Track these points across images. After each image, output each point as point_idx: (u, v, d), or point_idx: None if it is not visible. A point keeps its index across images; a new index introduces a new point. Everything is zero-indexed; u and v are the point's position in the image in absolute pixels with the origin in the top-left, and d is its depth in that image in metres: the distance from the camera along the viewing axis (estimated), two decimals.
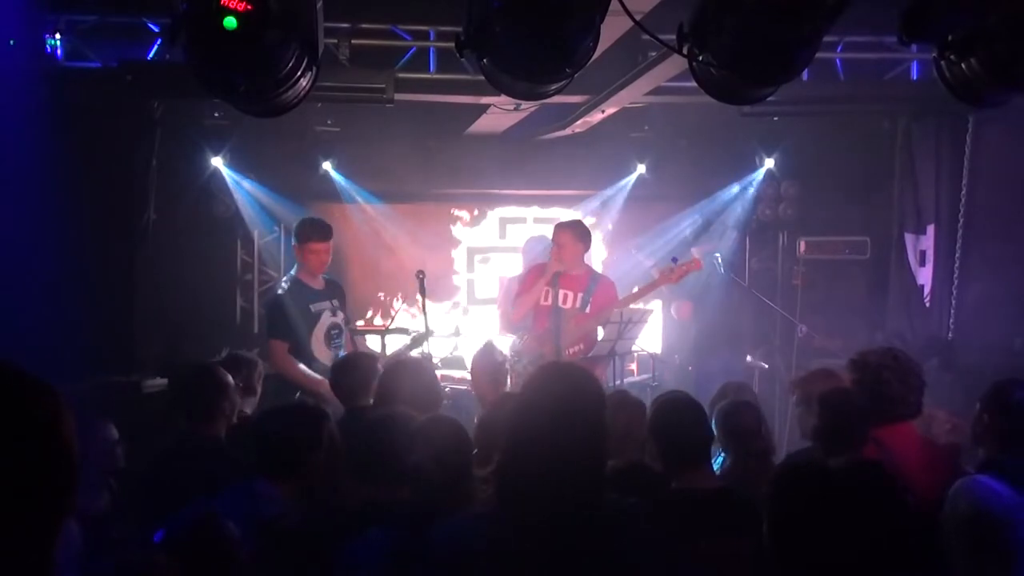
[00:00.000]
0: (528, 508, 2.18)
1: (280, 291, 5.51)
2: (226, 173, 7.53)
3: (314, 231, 5.55)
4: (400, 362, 4.49)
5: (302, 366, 5.24)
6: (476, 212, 8.64)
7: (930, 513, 2.96)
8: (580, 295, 5.97)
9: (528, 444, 2.21)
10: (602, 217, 8.55)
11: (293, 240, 5.64)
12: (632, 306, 6.22)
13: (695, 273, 6.36)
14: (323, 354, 5.39)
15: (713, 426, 3.50)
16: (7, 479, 1.13)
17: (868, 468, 1.97)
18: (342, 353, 5.40)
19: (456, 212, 8.63)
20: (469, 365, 4.94)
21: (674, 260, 6.22)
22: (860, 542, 1.83)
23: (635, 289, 6.34)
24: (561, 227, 6.00)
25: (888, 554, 1.86)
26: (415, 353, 5.82)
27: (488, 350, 4.82)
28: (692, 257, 6.45)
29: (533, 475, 2.18)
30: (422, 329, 5.81)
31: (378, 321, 7.96)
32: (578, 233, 5.98)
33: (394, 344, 6.07)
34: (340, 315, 5.57)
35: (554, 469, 2.17)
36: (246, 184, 7.61)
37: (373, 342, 6.42)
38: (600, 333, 6.08)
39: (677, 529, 2.67)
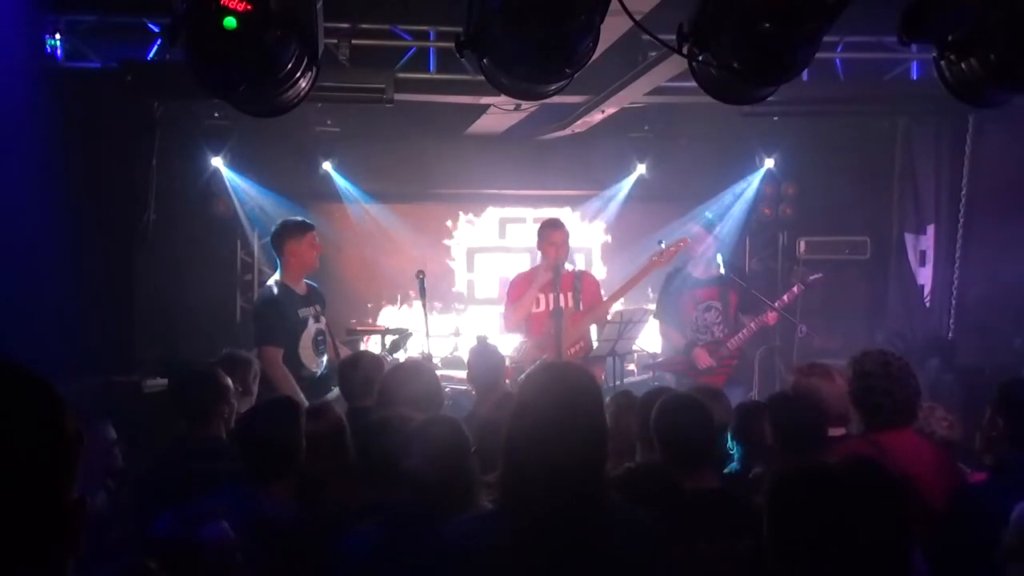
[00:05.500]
0: (530, 506, 2.19)
1: (271, 294, 5.37)
2: (226, 173, 7.53)
3: (297, 226, 5.47)
4: (401, 364, 4.49)
5: (291, 379, 5.09)
6: (476, 212, 8.64)
7: (935, 517, 2.98)
8: (570, 294, 5.96)
9: (527, 443, 2.22)
10: (602, 217, 8.55)
11: (276, 246, 5.47)
12: (633, 306, 6.21)
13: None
14: (311, 361, 5.29)
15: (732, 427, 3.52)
16: (11, 481, 1.13)
17: (867, 466, 1.96)
18: (326, 360, 5.37)
19: (456, 212, 8.63)
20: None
21: (660, 243, 6.22)
22: (860, 541, 1.83)
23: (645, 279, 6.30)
24: (557, 227, 5.95)
25: (888, 553, 1.86)
26: (413, 354, 5.81)
27: (483, 347, 4.82)
28: (682, 237, 6.42)
29: (534, 474, 2.19)
30: (421, 330, 5.80)
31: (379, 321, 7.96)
32: (567, 231, 5.97)
33: (378, 347, 6.03)
34: (323, 320, 5.45)
35: (554, 466, 2.17)
36: (246, 184, 7.61)
37: (373, 343, 6.42)
38: (594, 331, 6.08)
39: (677, 529, 2.67)
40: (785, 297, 6.49)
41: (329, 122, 7.90)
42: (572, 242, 6.05)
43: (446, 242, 8.57)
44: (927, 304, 7.59)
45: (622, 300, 6.24)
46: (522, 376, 5.22)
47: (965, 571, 2.73)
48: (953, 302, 7.24)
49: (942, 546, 2.85)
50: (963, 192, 7.15)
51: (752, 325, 6.34)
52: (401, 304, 6.86)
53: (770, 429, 3.35)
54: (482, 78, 3.86)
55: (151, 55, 6.27)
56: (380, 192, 8.13)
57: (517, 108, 6.73)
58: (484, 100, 6.65)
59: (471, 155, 8.14)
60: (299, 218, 5.69)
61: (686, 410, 3.12)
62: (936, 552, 2.81)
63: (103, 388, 5.73)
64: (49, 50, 6.15)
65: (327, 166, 7.91)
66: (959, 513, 2.95)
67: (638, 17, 3.46)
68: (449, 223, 8.59)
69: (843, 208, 8.14)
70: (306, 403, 4.71)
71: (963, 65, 3.62)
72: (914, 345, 7.07)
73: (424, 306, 5.75)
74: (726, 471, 3.60)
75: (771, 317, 6.36)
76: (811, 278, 6.56)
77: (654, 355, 6.87)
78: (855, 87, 6.84)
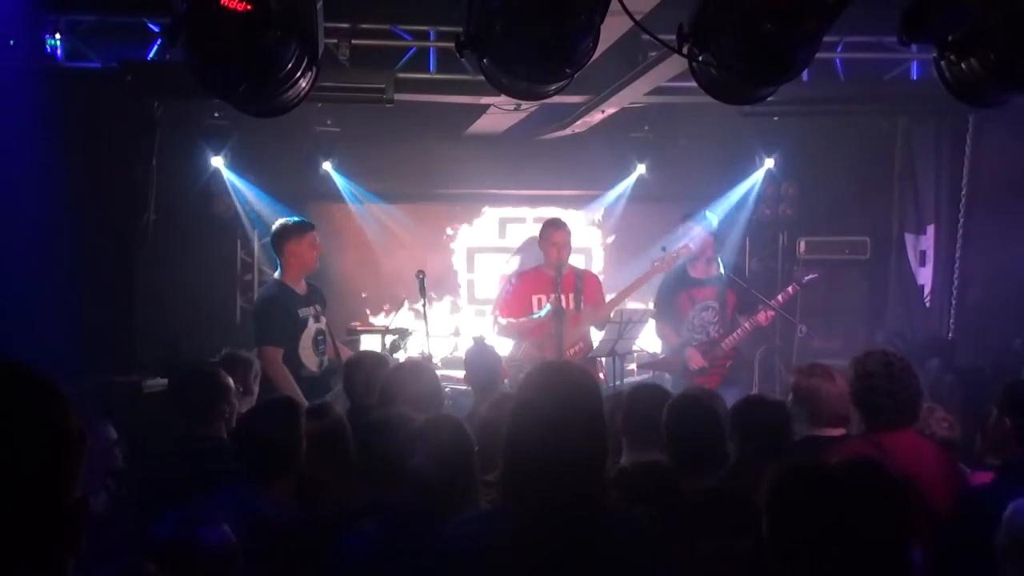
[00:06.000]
0: (530, 506, 2.19)
1: (271, 294, 5.39)
2: (226, 173, 7.53)
3: (296, 226, 5.46)
4: (401, 364, 4.49)
5: (291, 379, 5.08)
6: (476, 212, 8.65)
7: (937, 517, 2.97)
8: (572, 295, 5.96)
9: (527, 443, 2.22)
10: (602, 217, 8.56)
11: (276, 246, 5.46)
12: (633, 306, 6.21)
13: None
14: (311, 361, 5.28)
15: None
16: (14, 480, 1.13)
17: (868, 466, 1.97)
18: (326, 360, 5.36)
19: (456, 212, 8.64)
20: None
21: (663, 249, 6.21)
22: (860, 541, 1.83)
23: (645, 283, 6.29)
24: (559, 226, 5.95)
25: (889, 553, 1.86)
26: (413, 354, 5.81)
27: (480, 348, 4.81)
28: (684, 244, 6.42)
29: (534, 472, 2.19)
30: (421, 330, 5.80)
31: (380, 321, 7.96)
32: (569, 231, 5.96)
33: (378, 347, 6.02)
34: (323, 320, 5.44)
35: (554, 465, 2.17)
36: (246, 184, 7.61)
37: (373, 343, 6.42)
38: (594, 330, 6.07)
39: (676, 529, 2.67)
40: (780, 297, 6.48)
41: (329, 122, 7.90)
42: (571, 242, 6.04)
43: (448, 232, 8.58)
44: (927, 304, 7.59)
45: None
46: (521, 376, 5.25)
47: (973, 573, 2.72)
48: (953, 302, 7.24)
49: (949, 548, 2.82)
50: (963, 192, 7.15)
51: (746, 325, 6.33)
52: (401, 304, 6.85)
53: (736, 434, 3.31)
54: (482, 78, 3.86)
55: (151, 55, 6.26)
56: (380, 192, 8.14)
57: (517, 108, 6.73)
58: (484, 100, 6.65)
59: (471, 155, 8.14)
60: (299, 218, 5.69)
61: (696, 410, 3.12)
62: (943, 554, 2.80)
63: (103, 388, 5.73)
64: (49, 50, 6.14)
65: (327, 166, 7.91)
66: (966, 514, 2.93)
67: (638, 17, 3.47)
68: (449, 225, 8.60)
69: (843, 208, 8.14)
70: (306, 403, 4.72)
71: (963, 65, 3.62)
72: (914, 345, 7.07)
73: (424, 306, 5.75)
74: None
75: (763, 317, 6.34)
76: (806, 279, 6.55)
77: (654, 355, 6.88)
78: (855, 87, 6.84)
